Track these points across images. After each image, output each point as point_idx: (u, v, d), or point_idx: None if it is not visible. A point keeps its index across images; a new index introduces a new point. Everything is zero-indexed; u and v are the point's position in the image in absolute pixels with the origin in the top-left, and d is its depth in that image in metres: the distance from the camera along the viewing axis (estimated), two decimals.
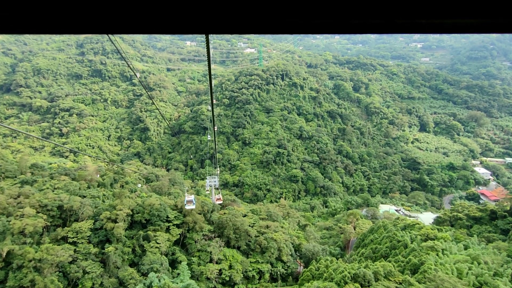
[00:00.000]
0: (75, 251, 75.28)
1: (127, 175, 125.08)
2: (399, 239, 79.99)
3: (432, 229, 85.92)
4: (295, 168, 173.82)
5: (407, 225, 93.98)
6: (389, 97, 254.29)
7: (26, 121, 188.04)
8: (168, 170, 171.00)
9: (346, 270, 65.79)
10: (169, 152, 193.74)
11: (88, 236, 78.82)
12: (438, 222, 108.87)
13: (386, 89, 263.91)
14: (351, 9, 1.86)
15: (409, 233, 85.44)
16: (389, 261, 71.31)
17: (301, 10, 1.86)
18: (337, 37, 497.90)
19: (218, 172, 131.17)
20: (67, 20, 1.91)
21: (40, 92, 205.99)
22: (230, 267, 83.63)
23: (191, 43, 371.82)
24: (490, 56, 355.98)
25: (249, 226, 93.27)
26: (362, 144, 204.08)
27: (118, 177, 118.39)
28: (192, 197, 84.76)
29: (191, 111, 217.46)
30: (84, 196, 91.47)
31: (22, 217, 74.35)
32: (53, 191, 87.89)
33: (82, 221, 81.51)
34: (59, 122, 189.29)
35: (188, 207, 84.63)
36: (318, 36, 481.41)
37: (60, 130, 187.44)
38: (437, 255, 71.80)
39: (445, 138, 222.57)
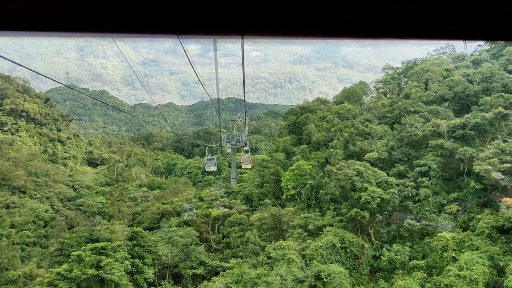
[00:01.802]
0: None
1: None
2: None
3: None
4: None
5: None
6: None
7: (25, 129, 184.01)
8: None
9: None
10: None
11: None
12: None
13: None
14: (359, 15, 1.69)
15: None
16: None
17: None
18: None
19: (247, 121, 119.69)
20: (71, 20, 1.60)
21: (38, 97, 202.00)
22: (237, 282, 78.78)
23: (195, 46, 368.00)
24: None
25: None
26: None
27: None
28: (214, 157, 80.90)
29: (195, 116, 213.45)
30: None
31: None
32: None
33: None
34: (58, 128, 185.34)
35: (208, 168, 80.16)
36: None
37: (59, 136, 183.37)
38: None
39: None
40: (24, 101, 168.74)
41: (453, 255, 54.71)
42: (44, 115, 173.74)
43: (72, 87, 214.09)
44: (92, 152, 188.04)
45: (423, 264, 54.59)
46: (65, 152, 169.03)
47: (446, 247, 55.15)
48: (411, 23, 1.60)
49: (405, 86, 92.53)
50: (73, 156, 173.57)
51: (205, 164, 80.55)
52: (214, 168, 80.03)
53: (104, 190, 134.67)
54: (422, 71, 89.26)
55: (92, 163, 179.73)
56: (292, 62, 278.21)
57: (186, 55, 19.45)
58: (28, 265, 77.85)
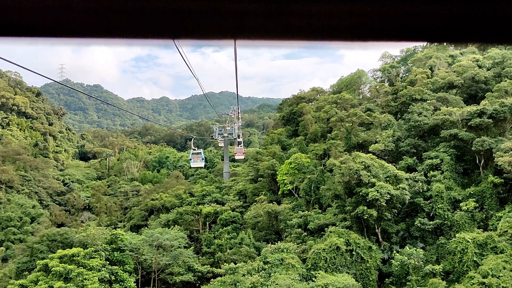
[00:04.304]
0: None
1: None
2: None
3: None
4: None
5: None
6: None
7: (15, 122, 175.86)
8: None
9: None
10: None
11: None
12: None
13: None
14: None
15: None
16: None
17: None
18: None
19: (240, 114, 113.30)
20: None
21: None
22: None
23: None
24: None
25: None
26: None
27: None
28: (201, 150, 69.96)
29: (188, 109, 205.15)
30: None
31: None
32: None
33: None
34: (50, 122, 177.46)
35: (194, 163, 70.08)
36: None
37: (50, 130, 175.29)
38: None
39: None
40: (15, 94, 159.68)
41: (475, 259, 46.12)
42: (36, 109, 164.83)
43: (65, 83, 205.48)
44: (84, 145, 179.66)
45: (440, 269, 45.92)
46: (56, 146, 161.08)
47: (465, 250, 46.47)
48: (406, 25, 1.48)
49: (405, 75, 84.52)
50: (65, 150, 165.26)
51: (190, 160, 70.43)
52: (201, 164, 70.59)
53: (95, 184, 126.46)
54: (425, 57, 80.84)
55: (84, 157, 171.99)
56: (284, 56, 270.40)
57: (182, 56, 19.25)
58: (8, 266, 70.58)
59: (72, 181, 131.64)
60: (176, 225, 63.74)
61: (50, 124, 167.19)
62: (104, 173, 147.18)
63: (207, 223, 68.36)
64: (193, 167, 71.73)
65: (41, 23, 1.39)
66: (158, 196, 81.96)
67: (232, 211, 68.01)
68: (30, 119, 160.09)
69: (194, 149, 70.54)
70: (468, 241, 46.32)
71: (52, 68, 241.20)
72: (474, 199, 52.27)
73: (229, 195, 77.59)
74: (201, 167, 75.11)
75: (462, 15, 1.35)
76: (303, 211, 58.68)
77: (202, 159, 69.05)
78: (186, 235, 60.16)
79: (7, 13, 1.35)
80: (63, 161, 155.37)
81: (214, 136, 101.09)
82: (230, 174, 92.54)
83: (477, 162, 55.50)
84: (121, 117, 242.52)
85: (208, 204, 73.24)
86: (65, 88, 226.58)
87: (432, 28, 1.40)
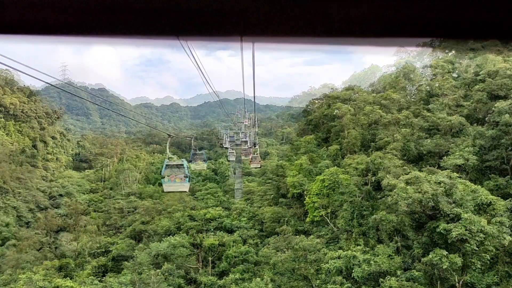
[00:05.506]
0: None
1: None
2: None
3: None
4: None
5: None
6: None
7: (2, 126, 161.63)
8: None
9: None
10: None
11: None
12: None
13: None
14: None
15: None
16: None
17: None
18: None
19: (256, 119, 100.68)
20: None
21: None
22: None
23: None
24: None
25: None
26: None
27: None
28: (183, 161, 48.74)
29: (199, 116, 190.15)
30: None
31: None
32: None
33: None
34: (42, 126, 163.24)
35: (195, 165, 54.09)
36: None
37: (41, 135, 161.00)
38: None
39: None
40: (3, 94, 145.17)
41: None
42: (26, 111, 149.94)
43: (68, 84, 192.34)
44: (79, 153, 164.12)
45: None
46: (48, 153, 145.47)
47: None
48: (416, 21, 1.46)
49: (422, 70, 71.08)
50: (57, 158, 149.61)
51: (190, 161, 52.83)
52: (202, 166, 55.73)
53: (86, 199, 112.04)
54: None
55: (79, 166, 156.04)
56: (305, 63, 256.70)
57: (188, 55, 17.23)
58: None
59: (61, 194, 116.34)
60: (166, 263, 47.88)
61: (42, 129, 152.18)
62: (99, 185, 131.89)
63: (210, 258, 52.03)
64: (167, 192, 52.41)
65: (45, 21, 1.40)
66: (150, 219, 66.82)
67: (244, 244, 51.90)
68: (20, 122, 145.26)
69: (195, 149, 58.73)
70: None
71: (54, 70, 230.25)
72: None
73: (240, 221, 61.53)
74: (203, 169, 61.74)
75: (478, 10, 1.31)
76: (345, 250, 42.12)
77: (204, 160, 54.22)
78: (178, 277, 44.23)
79: (11, 11, 1.36)
80: (53, 170, 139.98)
81: (224, 145, 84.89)
82: (243, 192, 78.96)
83: None
84: (127, 122, 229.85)
85: (212, 232, 57.46)
86: (67, 89, 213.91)
87: (448, 24, 1.36)
